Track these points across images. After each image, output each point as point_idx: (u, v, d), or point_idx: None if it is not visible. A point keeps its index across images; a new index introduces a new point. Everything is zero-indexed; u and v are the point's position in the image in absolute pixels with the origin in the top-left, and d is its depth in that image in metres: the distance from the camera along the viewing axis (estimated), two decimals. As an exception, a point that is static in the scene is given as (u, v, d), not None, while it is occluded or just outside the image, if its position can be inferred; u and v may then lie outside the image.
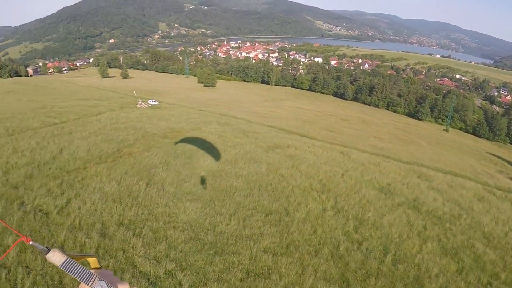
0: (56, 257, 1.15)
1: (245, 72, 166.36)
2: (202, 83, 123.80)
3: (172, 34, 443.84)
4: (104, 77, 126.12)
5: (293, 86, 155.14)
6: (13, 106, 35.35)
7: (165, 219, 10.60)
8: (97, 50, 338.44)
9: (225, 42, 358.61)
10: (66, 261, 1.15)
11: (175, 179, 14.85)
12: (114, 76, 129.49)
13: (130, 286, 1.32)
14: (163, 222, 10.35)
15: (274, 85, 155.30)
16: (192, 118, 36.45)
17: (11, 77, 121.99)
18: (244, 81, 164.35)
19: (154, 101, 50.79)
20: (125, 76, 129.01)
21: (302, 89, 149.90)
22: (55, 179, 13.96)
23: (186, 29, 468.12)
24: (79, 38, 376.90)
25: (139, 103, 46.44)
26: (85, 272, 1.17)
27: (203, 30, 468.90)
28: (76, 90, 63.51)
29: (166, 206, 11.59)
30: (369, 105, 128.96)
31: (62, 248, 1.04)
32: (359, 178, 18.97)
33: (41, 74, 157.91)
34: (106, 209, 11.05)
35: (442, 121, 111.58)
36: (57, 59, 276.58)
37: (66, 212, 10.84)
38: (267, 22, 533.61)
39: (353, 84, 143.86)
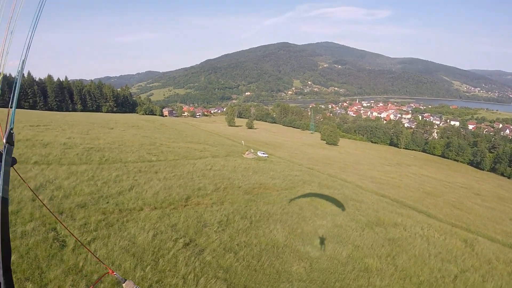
0: (130, 286, 1.71)
1: (373, 132, 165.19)
2: (324, 140, 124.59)
3: (305, 90, 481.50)
4: (230, 125, 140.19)
5: (424, 151, 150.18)
6: (126, 139, 40.98)
7: (169, 296, 8.84)
8: (234, 101, 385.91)
9: (357, 101, 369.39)
10: None
11: (222, 246, 13.15)
12: (241, 126, 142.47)
13: None
14: (163, 299, 8.61)
15: (403, 148, 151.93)
16: (292, 176, 35.10)
17: (145, 114, 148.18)
18: (371, 141, 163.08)
19: (263, 153, 52.18)
20: (250, 126, 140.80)
21: (434, 154, 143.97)
22: (102, 214, 14.17)
23: (319, 87, 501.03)
24: (218, 89, 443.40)
25: (247, 153, 48.26)
26: None
27: (336, 88, 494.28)
28: (195, 133, 71.23)
29: (183, 279, 9.89)
30: (509, 177, 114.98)
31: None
32: (478, 286, 14.28)
33: (175, 116, 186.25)
34: (117, 261, 10.17)
35: None
36: (196, 105, 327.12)
37: (80, 252, 10.40)
38: (401, 82, 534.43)
39: (492, 152, 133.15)
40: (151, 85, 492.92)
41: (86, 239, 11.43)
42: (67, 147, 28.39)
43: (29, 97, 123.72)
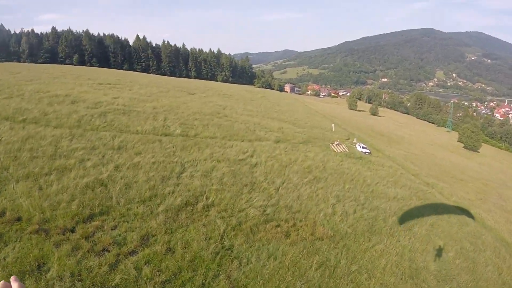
0: None
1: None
2: (462, 142, 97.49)
3: (448, 83, 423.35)
4: (350, 109, 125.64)
5: None
6: (187, 105, 35.71)
7: None
8: (368, 86, 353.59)
9: (506, 103, 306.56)
10: None
11: None
12: (363, 111, 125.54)
13: None
14: None
15: None
16: (388, 197, 21.91)
17: (262, 87, 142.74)
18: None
19: (364, 148, 40.09)
20: (373, 112, 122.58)
21: None
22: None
23: (464, 81, 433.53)
24: (353, 72, 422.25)
25: (336, 143, 37.57)
26: None
27: (483, 86, 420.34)
28: (292, 110, 62.37)
29: None
30: None
31: None
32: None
33: (298, 93, 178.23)
34: None
35: None
36: (328, 86, 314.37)
37: None
38: None
39: None
40: (286, 63, 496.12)
41: None
42: (91, 107, 24.82)
43: (142, 60, 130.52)
